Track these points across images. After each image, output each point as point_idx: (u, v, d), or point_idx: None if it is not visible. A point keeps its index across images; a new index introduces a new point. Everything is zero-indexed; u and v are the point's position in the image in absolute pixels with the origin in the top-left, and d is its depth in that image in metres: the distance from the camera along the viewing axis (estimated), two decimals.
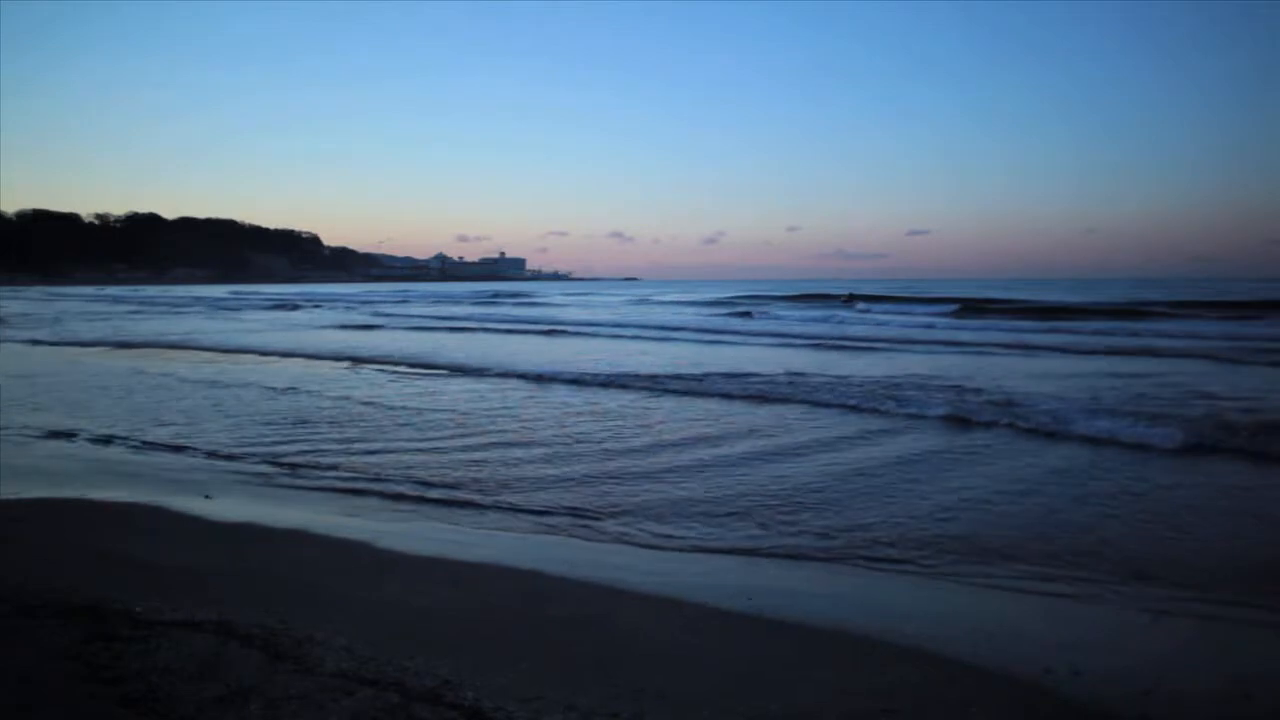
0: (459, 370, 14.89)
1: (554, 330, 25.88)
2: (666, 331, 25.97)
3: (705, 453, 7.86)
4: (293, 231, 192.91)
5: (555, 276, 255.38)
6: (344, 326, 28.54)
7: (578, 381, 13.06)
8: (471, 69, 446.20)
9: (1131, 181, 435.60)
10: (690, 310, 41.14)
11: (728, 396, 11.40)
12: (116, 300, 55.11)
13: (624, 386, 12.41)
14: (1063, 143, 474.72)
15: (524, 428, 9.27)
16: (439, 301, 53.51)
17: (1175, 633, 3.98)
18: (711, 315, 35.88)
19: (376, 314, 37.22)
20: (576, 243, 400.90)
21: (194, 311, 40.41)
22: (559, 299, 60.79)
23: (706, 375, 13.27)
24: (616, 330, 26.36)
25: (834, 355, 17.82)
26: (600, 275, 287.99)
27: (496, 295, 64.18)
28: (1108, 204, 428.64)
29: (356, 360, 16.59)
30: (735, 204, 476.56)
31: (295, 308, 44.65)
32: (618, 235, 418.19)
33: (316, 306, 46.19)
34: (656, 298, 61.02)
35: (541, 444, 8.35)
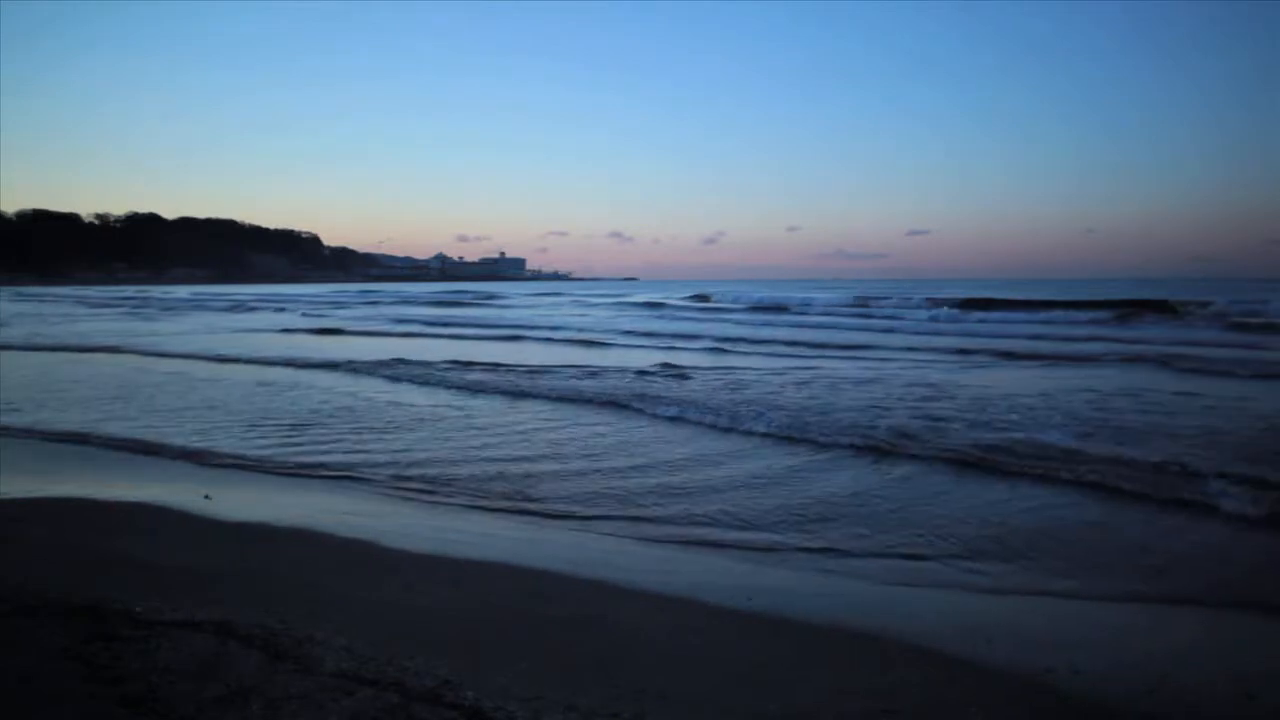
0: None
1: (515, 336, 25.07)
2: (603, 334, 25.90)
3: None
4: (293, 231, 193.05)
5: (555, 276, 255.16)
6: (286, 330, 27.87)
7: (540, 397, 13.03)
8: (471, 69, 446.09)
9: (1131, 181, 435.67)
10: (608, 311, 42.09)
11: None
12: (79, 301, 54.13)
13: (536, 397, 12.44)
14: (1063, 143, 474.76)
15: (505, 431, 9.27)
16: (405, 302, 52.48)
17: (1177, 632, 3.97)
18: (634, 316, 36.75)
19: (331, 315, 36.95)
20: (576, 243, 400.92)
21: (145, 313, 39.36)
22: (524, 299, 60.55)
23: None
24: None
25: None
26: (600, 275, 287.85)
27: (480, 297, 63.59)
28: (1107, 204, 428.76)
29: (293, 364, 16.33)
30: (735, 204, 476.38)
31: (251, 309, 44.07)
32: (617, 235, 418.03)
33: (256, 307, 45.52)
34: (597, 298, 60.47)
35: (535, 445, 8.36)
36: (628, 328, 28.32)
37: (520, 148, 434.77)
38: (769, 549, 5.20)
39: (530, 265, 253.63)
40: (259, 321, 33.29)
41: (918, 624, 3.89)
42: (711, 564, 4.92)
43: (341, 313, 39.87)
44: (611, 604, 4.06)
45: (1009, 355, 17.35)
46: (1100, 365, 15.25)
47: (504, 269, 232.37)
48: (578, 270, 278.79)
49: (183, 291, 78.60)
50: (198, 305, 48.93)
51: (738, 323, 30.68)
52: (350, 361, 15.53)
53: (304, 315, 37.44)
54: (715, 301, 47.62)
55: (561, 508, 6.12)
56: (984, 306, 33.22)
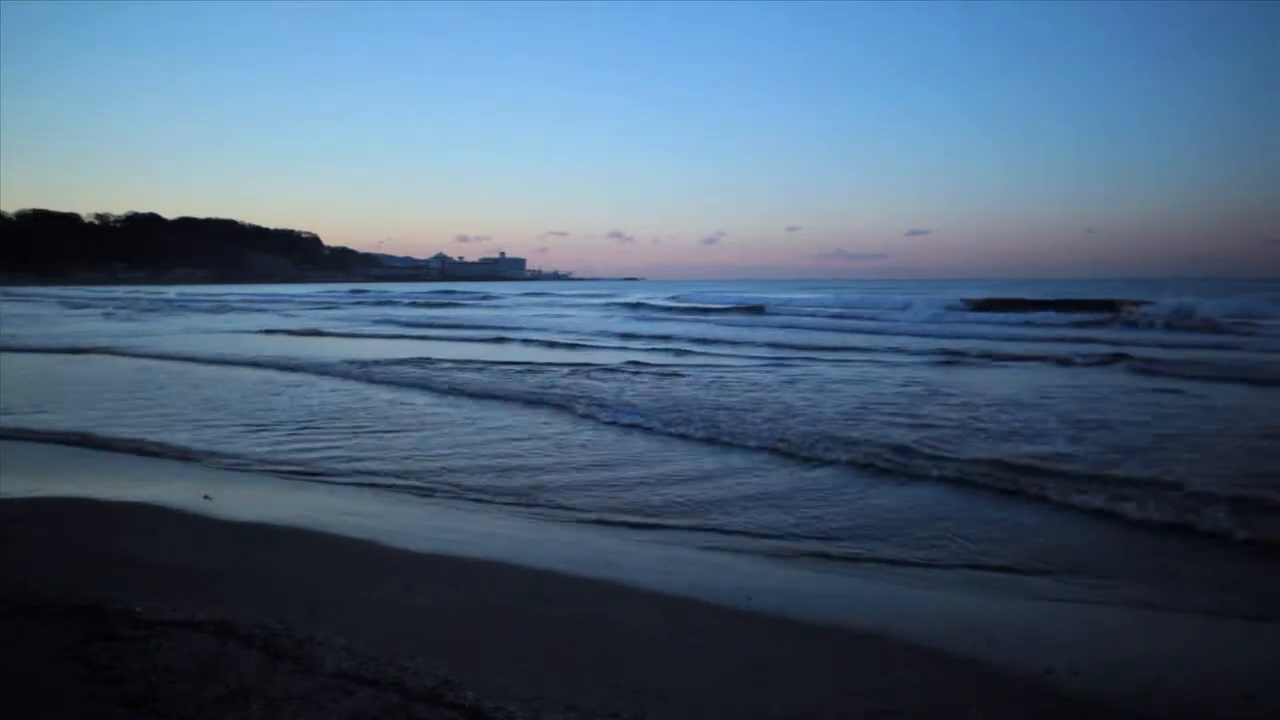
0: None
1: (499, 338, 24.37)
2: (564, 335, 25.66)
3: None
4: (293, 231, 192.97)
5: (556, 276, 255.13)
6: (266, 330, 27.49)
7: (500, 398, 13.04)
8: (471, 69, 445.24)
9: (1131, 181, 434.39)
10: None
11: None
12: (62, 302, 53.41)
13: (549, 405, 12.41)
14: (1063, 143, 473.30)
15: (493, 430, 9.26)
16: (389, 303, 51.43)
17: (1177, 632, 3.97)
18: (617, 318, 36.37)
19: (315, 315, 36.75)
20: (576, 242, 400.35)
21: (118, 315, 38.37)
22: (513, 299, 60.41)
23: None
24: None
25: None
26: (601, 275, 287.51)
27: (474, 297, 63.36)
28: (1107, 204, 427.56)
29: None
30: (735, 204, 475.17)
31: (234, 310, 43.60)
32: (617, 235, 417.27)
33: (239, 308, 45.00)
34: (584, 299, 60.30)
35: (534, 444, 8.36)
36: (605, 329, 28.10)
37: (520, 148, 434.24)
38: (770, 551, 5.20)
39: (530, 265, 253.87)
40: (241, 323, 32.75)
41: (918, 624, 3.89)
42: (712, 564, 4.92)
43: (324, 313, 39.46)
44: (612, 604, 4.06)
45: (992, 356, 17.22)
46: (1081, 366, 15.19)
47: (504, 269, 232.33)
48: (578, 270, 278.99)
49: (171, 292, 77.56)
50: (181, 306, 48.11)
51: (714, 323, 30.78)
52: (337, 363, 15.55)
53: (285, 316, 37.19)
54: (693, 302, 47.22)
55: (561, 509, 6.12)
56: (986, 308, 33.10)
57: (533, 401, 11.10)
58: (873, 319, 31.20)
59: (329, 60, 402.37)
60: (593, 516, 5.91)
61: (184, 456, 7.81)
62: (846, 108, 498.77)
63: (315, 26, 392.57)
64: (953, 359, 16.91)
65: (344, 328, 29.01)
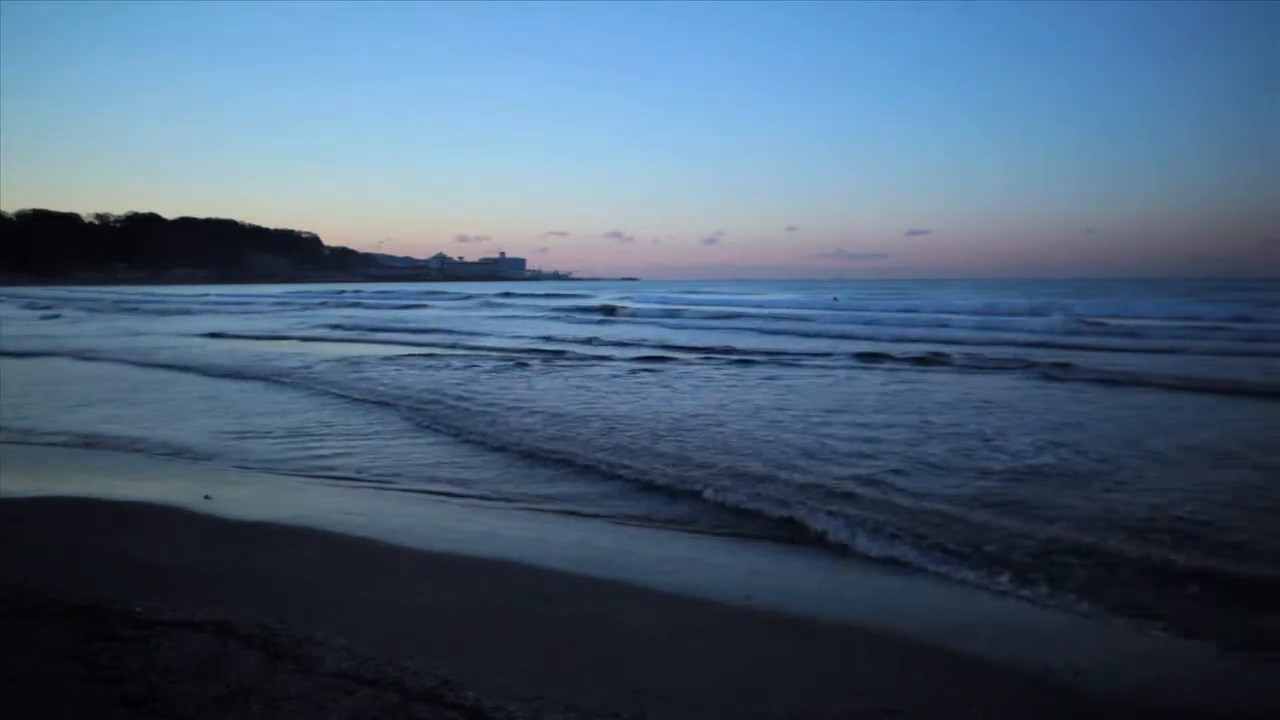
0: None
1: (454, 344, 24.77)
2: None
3: None
4: (293, 231, 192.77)
5: (555, 276, 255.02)
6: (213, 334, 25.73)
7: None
8: (471, 69, 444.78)
9: (1131, 181, 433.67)
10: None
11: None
12: (29, 304, 51.38)
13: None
14: (1063, 143, 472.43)
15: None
16: (350, 305, 50.01)
17: (1176, 634, 3.97)
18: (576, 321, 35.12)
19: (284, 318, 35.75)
20: (576, 243, 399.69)
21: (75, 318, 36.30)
22: (493, 298, 59.33)
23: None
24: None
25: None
26: (600, 275, 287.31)
27: (457, 298, 62.53)
28: (1108, 204, 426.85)
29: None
30: (735, 204, 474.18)
31: (187, 312, 42.13)
32: (617, 235, 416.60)
33: (197, 310, 43.64)
34: (546, 299, 58.63)
35: (532, 440, 8.36)
36: (558, 333, 26.72)
37: (520, 148, 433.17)
38: (769, 551, 5.20)
39: (531, 265, 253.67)
40: (185, 326, 30.52)
41: (920, 623, 3.89)
42: (711, 564, 4.92)
43: (283, 315, 38.23)
44: (612, 604, 4.06)
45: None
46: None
47: (504, 269, 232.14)
48: (579, 270, 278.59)
49: (137, 293, 73.79)
50: (132, 309, 45.29)
51: (675, 327, 30.03)
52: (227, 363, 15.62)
53: (234, 319, 36.07)
54: (634, 305, 45.75)
55: (564, 506, 6.12)
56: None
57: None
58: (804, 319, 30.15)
59: (329, 60, 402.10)
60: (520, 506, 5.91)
61: (183, 456, 7.81)
62: (846, 108, 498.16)
63: (315, 26, 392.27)
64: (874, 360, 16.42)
65: (297, 331, 27.21)
